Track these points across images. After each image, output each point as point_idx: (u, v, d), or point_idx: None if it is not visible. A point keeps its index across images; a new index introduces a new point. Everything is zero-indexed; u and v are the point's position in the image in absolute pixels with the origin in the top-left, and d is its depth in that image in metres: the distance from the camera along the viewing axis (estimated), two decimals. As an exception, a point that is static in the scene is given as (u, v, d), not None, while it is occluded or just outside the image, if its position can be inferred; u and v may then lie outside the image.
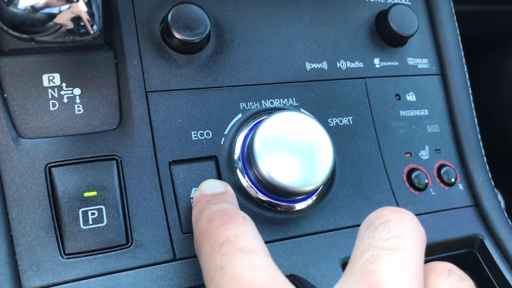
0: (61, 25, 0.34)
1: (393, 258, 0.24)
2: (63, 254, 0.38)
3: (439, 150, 0.53)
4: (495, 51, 1.02)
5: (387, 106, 0.52)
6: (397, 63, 0.54)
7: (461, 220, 0.51)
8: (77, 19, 0.34)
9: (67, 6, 0.33)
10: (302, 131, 0.43)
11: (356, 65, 0.52)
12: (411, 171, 0.51)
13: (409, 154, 0.52)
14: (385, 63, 0.53)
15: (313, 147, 0.43)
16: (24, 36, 0.33)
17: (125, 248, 0.39)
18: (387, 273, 0.23)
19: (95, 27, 0.34)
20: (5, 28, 0.32)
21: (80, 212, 0.39)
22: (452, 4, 0.59)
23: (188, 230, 0.41)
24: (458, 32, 0.59)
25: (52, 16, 0.33)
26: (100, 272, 0.38)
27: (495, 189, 0.54)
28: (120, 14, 0.45)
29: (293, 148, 0.42)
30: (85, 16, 0.33)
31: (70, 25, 0.34)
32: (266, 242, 0.39)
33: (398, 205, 0.49)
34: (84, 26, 0.34)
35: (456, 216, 0.51)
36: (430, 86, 0.55)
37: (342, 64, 0.51)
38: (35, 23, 0.32)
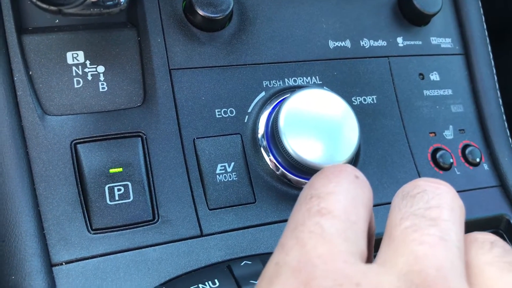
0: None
1: (437, 231, 0.22)
2: (90, 229, 0.38)
3: (463, 130, 0.53)
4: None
5: (411, 85, 0.52)
6: (420, 42, 0.53)
7: (487, 200, 0.50)
8: (103, -8, 0.34)
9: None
10: (327, 108, 0.42)
11: (379, 43, 0.51)
12: (436, 150, 0.50)
13: (433, 134, 0.51)
14: (408, 42, 0.53)
15: (338, 124, 0.42)
16: (52, 8, 0.32)
17: (152, 224, 0.39)
18: (432, 246, 0.22)
19: (122, -1, 0.34)
20: (34, 0, 0.32)
21: (106, 188, 0.39)
22: (475, -17, 0.58)
23: (214, 206, 0.41)
24: (481, 12, 0.58)
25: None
26: (127, 247, 0.38)
27: (521, 170, 0.53)
28: (142, -8, 0.44)
29: (318, 126, 0.42)
30: (113, -13, 0.32)
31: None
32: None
33: (423, 185, 0.48)
34: (111, -1, 0.34)
35: (481, 196, 0.50)
36: (454, 66, 0.55)
37: (365, 43, 0.51)
38: (63, -5, 0.32)
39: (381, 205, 0.46)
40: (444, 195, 0.25)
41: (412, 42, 0.53)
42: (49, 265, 0.36)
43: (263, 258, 0.38)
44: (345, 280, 0.20)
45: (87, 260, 0.37)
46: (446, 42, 0.55)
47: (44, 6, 0.32)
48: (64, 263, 0.36)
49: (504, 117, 0.55)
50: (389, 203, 0.45)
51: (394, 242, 0.23)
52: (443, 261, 0.21)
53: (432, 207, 0.24)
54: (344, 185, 0.24)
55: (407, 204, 0.24)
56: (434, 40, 0.54)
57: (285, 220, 0.43)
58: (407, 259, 0.21)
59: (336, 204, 0.23)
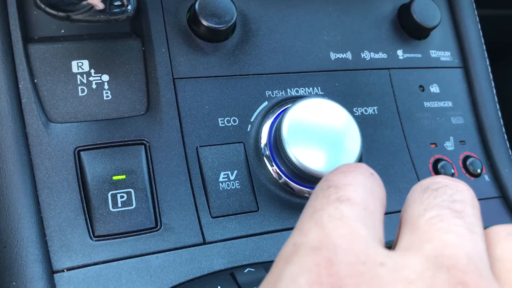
0: (93, 5, 0.35)
1: (463, 223, 0.22)
2: (92, 236, 0.38)
3: (463, 141, 0.53)
4: (507, 57, 1.01)
5: (411, 97, 0.52)
6: (420, 55, 0.54)
7: (488, 211, 0.50)
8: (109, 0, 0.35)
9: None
10: (329, 117, 0.43)
11: (379, 56, 0.52)
12: (437, 161, 0.50)
13: (434, 145, 0.51)
14: (408, 55, 0.53)
15: (341, 133, 0.42)
16: (60, 14, 0.33)
17: (154, 231, 0.39)
18: (460, 236, 0.21)
19: (129, 6, 0.34)
20: (43, 6, 0.33)
21: (109, 195, 0.39)
22: (472, -2, 0.59)
23: (217, 214, 0.41)
24: (479, 26, 0.59)
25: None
26: (129, 254, 0.38)
27: (522, 181, 0.53)
28: (147, 3, 0.45)
29: (321, 135, 0.42)
30: (121, -6, 0.33)
31: (100, 6, 0.35)
32: (293, 229, 0.38)
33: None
34: (117, 6, 0.35)
35: (483, 207, 0.49)
36: (453, 79, 0.55)
37: (366, 55, 0.51)
38: (72, 1, 0.33)
39: (385, 215, 0.46)
40: (465, 192, 0.25)
41: (412, 55, 0.54)
42: (51, 271, 0.36)
43: (267, 266, 0.38)
44: (368, 258, 0.20)
45: (89, 267, 0.36)
46: (445, 55, 0.56)
47: (53, 12, 0.33)
48: (65, 270, 0.36)
49: (504, 129, 0.55)
50: (392, 212, 0.45)
51: (418, 231, 0.22)
52: (473, 251, 0.21)
53: (456, 201, 0.24)
54: (360, 178, 0.24)
55: (429, 196, 0.24)
56: (434, 53, 0.55)
57: (288, 229, 0.42)
58: (435, 245, 0.21)
59: (354, 193, 0.23)
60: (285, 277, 0.20)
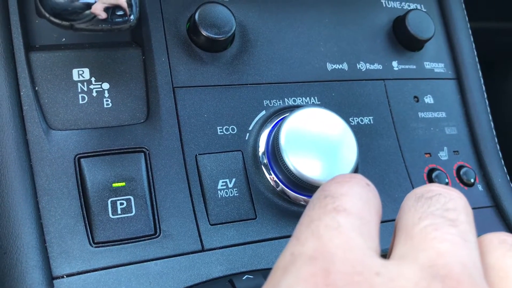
0: (95, 15, 0.35)
1: (457, 231, 0.22)
2: (92, 242, 0.38)
3: (457, 151, 0.54)
4: (499, 70, 1.03)
5: (406, 107, 0.53)
6: (414, 67, 0.55)
7: (482, 220, 0.51)
8: (111, 9, 0.36)
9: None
10: (326, 127, 0.43)
11: (375, 67, 0.53)
12: (431, 171, 0.51)
13: (428, 155, 0.52)
14: (403, 66, 0.55)
15: (337, 142, 0.43)
16: (64, 23, 0.34)
17: (153, 238, 0.39)
18: (454, 244, 0.22)
19: (132, 16, 0.35)
20: (47, 15, 0.33)
21: (109, 202, 0.39)
22: (465, 12, 0.61)
23: (215, 221, 0.41)
24: (472, 39, 0.60)
25: (89, 5, 0.35)
26: (128, 261, 0.38)
27: (514, 191, 0.54)
28: (148, 13, 0.46)
29: (318, 144, 0.42)
30: (124, 5, 0.34)
31: (103, 15, 0.35)
32: (290, 236, 0.38)
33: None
34: (120, 16, 0.35)
35: (476, 217, 0.50)
36: (447, 90, 0.56)
37: (361, 66, 0.52)
38: (75, 11, 0.33)
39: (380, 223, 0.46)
40: (458, 200, 0.25)
41: (407, 66, 0.55)
42: (50, 278, 0.36)
43: (265, 273, 0.38)
44: (364, 268, 0.20)
45: (88, 274, 0.37)
46: (439, 67, 0.57)
47: (57, 21, 0.34)
48: (65, 276, 0.36)
49: (496, 140, 0.56)
50: (387, 221, 0.46)
51: (413, 239, 0.23)
52: (467, 259, 0.21)
53: (450, 209, 0.24)
54: (356, 189, 0.25)
55: (423, 205, 0.24)
56: (428, 65, 0.56)
57: (286, 237, 0.43)
58: (430, 254, 0.21)
59: (350, 203, 0.24)
60: (282, 287, 0.21)
